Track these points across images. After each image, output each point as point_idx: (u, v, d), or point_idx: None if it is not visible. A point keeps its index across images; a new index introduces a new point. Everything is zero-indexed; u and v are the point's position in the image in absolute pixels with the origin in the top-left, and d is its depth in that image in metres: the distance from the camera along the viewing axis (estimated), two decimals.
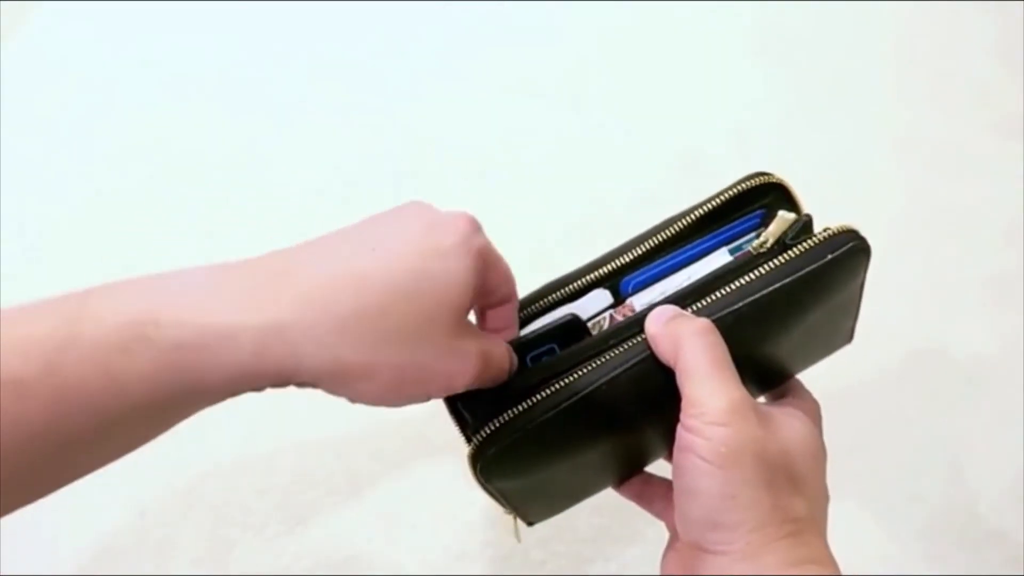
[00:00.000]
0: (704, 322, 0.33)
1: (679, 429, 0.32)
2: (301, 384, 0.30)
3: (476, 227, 0.34)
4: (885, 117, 0.86)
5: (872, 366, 0.69)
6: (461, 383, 0.32)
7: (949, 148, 0.84)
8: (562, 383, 0.34)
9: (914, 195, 0.80)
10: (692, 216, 0.38)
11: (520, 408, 0.34)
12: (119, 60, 0.89)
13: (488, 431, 0.34)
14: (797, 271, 0.34)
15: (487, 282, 0.34)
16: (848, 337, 0.43)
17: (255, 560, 0.60)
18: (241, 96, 0.87)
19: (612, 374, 0.34)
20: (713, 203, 0.38)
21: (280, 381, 0.29)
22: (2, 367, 0.25)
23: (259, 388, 0.30)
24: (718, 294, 0.34)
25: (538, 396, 0.34)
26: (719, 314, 0.34)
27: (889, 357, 0.70)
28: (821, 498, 0.34)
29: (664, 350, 0.33)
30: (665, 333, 0.33)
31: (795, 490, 0.32)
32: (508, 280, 0.35)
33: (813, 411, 0.38)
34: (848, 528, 0.64)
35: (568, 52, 0.92)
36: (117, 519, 0.62)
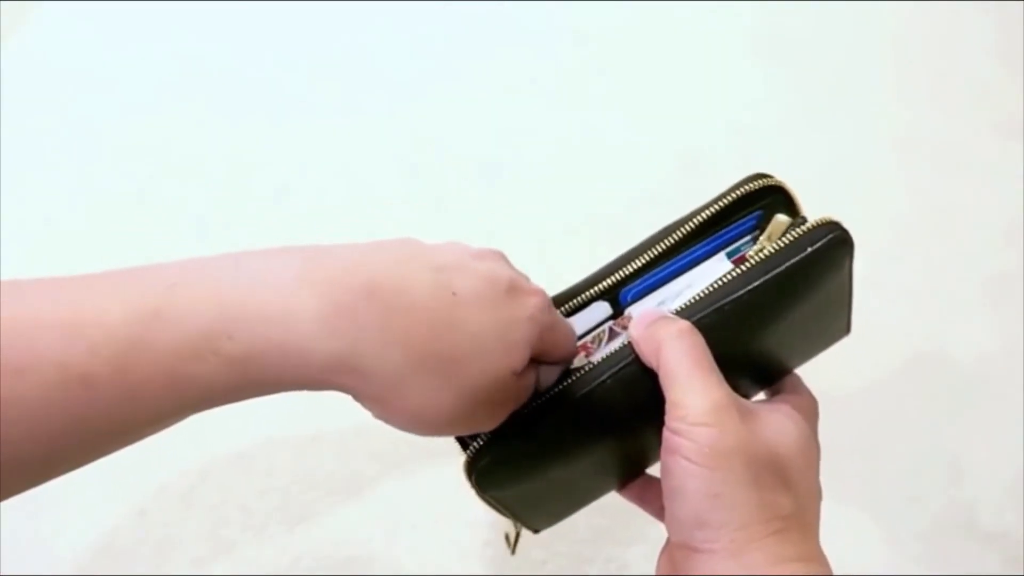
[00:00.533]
0: (683, 324, 0.33)
1: (664, 431, 0.32)
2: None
3: (548, 304, 0.34)
4: (885, 117, 0.86)
5: (872, 366, 0.69)
6: (514, 387, 0.33)
7: (949, 148, 0.83)
8: (553, 391, 0.34)
9: (914, 195, 0.80)
10: (692, 224, 0.38)
11: (512, 418, 0.34)
12: (119, 60, 0.89)
13: (481, 442, 0.34)
14: (778, 266, 0.34)
15: (544, 354, 0.34)
16: (845, 328, 0.42)
17: (255, 560, 0.60)
18: (242, 96, 0.87)
19: (600, 379, 0.34)
20: (712, 208, 0.38)
21: (325, 388, 0.30)
22: (72, 361, 0.25)
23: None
24: (701, 293, 0.34)
25: (530, 406, 0.34)
26: (701, 313, 0.34)
27: (889, 357, 0.70)
28: (812, 496, 0.34)
29: (646, 353, 0.33)
30: (646, 337, 0.33)
31: (782, 488, 0.32)
32: (565, 351, 0.35)
33: (808, 407, 0.38)
34: (848, 528, 0.64)
35: (568, 52, 0.92)
36: (117, 519, 0.62)
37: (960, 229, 0.78)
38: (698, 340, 0.33)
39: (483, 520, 0.61)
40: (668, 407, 0.32)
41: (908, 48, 0.93)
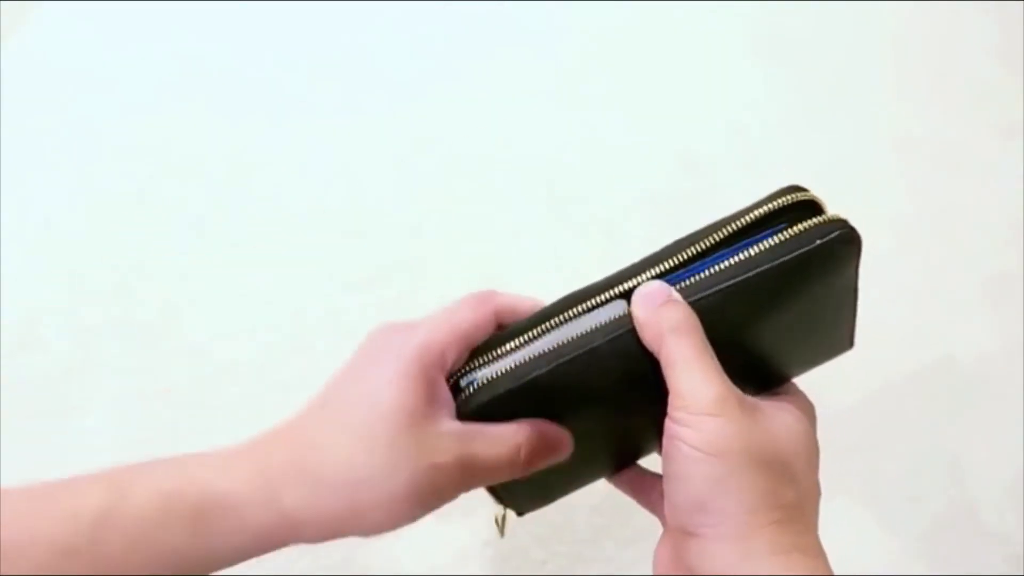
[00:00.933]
0: (687, 315, 0.33)
1: (667, 420, 0.32)
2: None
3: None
4: (885, 117, 0.86)
5: (872, 366, 0.69)
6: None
7: (949, 148, 0.84)
8: (545, 350, 0.34)
9: (914, 195, 0.80)
10: (719, 234, 0.37)
11: (501, 371, 0.34)
12: (119, 60, 0.89)
13: (470, 390, 0.34)
14: (786, 254, 0.34)
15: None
16: (848, 341, 0.42)
17: (254, 560, 0.60)
18: (242, 96, 0.87)
19: (594, 344, 0.34)
20: (743, 220, 0.37)
21: (282, 545, 0.34)
22: (56, 537, 0.29)
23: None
24: (706, 273, 0.34)
25: (521, 359, 0.34)
26: (705, 292, 0.34)
27: (889, 357, 0.70)
28: (812, 492, 0.34)
29: (648, 339, 0.33)
30: (651, 322, 0.33)
31: (785, 480, 0.32)
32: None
33: (807, 409, 0.38)
34: (848, 528, 0.64)
35: (568, 52, 0.92)
36: None
37: (960, 229, 0.78)
38: (702, 336, 0.33)
39: (483, 520, 0.61)
40: (671, 396, 0.32)
41: (908, 48, 0.93)
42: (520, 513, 0.43)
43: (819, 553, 0.32)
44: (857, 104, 0.87)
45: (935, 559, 0.61)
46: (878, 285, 0.73)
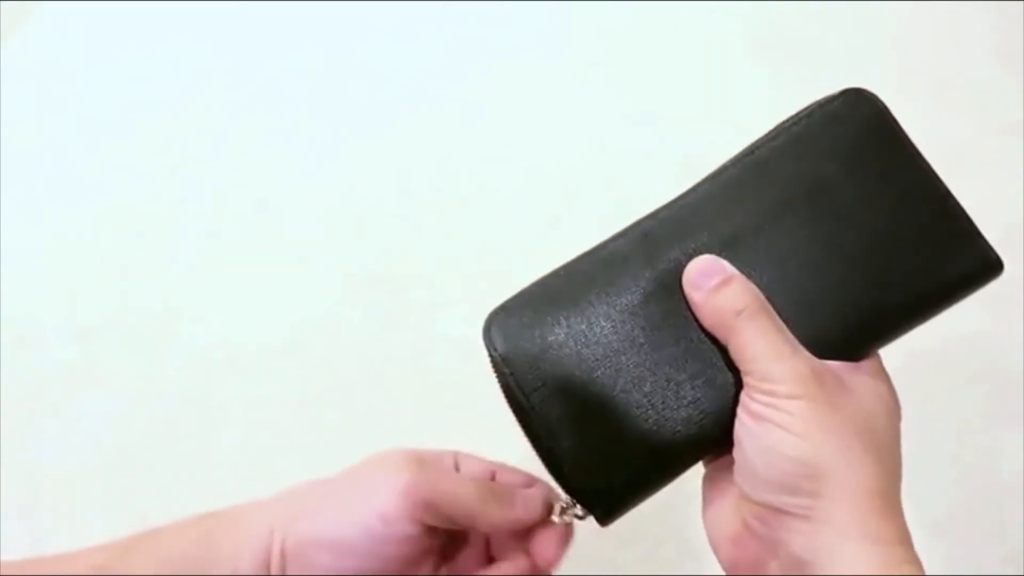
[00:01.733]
0: (748, 292, 0.32)
1: (748, 398, 0.31)
2: None
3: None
4: None
5: None
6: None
7: (949, 148, 0.83)
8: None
9: None
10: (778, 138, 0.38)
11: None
12: (120, 60, 0.89)
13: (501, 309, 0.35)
14: (790, 124, 0.36)
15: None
16: (980, 257, 0.37)
17: None
18: (242, 96, 0.87)
19: (636, 275, 0.34)
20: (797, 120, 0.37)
21: None
22: None
23: None
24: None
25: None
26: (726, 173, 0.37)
27: (889, 357, 0.70)
28: (897, 470, 0.32)
29: (712, 324, 0.32)
30: (711, 309, 0.32)
31: (873, 459, 0.30)
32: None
33: (887, 382, 0.36)
34: None
35: (568, 52, 0.92)
36: (117, 523, 0.62)
37: None
38: (770, 312, 0.31)
39: None
40: (752, 380, 0.31)
41: (908, 48, 0.93)
42: (603, 519, 0.35)
43: (908, 541, 0.30)
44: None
45: (935, 559, 0.61)
46: None
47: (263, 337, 0.70)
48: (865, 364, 0.34)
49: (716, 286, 0.32)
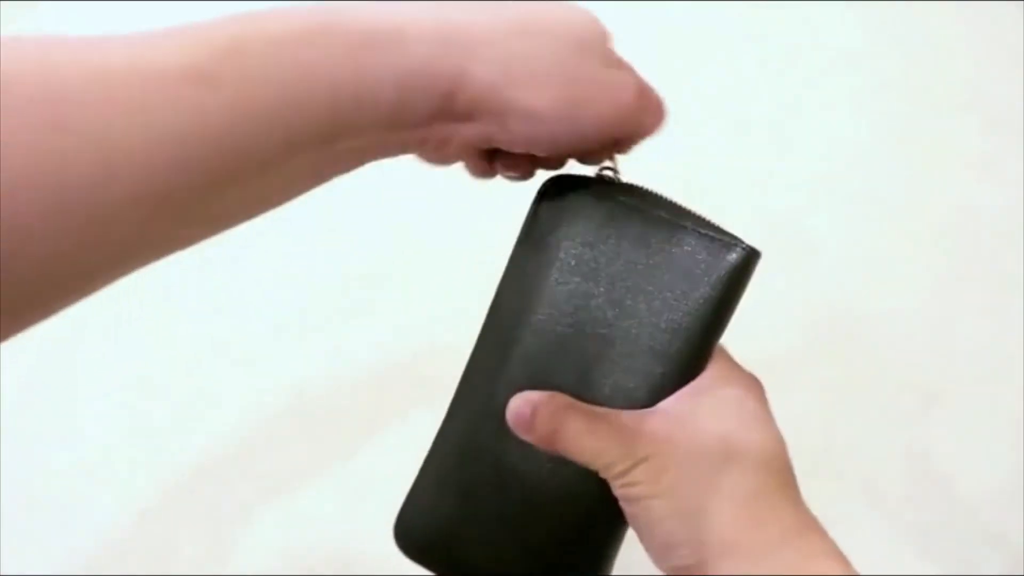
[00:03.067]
0: (553, 411, 0.32)
1: (611, 489, 0.32)
2: (466, 109, 0.30)
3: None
4: (884, 116, 0.86)
5: (872, 366, 0.69)
6: (625, 107, 0.33)
7: (947, 148, 0.84)
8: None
9: (912, 195, 0.80)
10: None
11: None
12: None
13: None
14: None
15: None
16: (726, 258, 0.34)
17: (255, 560, 0.60)
18: None
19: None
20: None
21: (446, 95, 0.29)
22: (187, 58, 0.25)
23: (415, 125, 0.31)
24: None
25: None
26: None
27: (888, 357, 0.70)
28: (774, 449, 0.32)
29: (545, 447, 0.32)
30: (539, 444, 0.32)
31: (734, 466, 0.31)
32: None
33: (736, 380, 0.34)
34: (848, 528, 0.64)
35: None
36: (117, 519, 0.62)
37: (960, 229, 0.78)
38: (576, 411, 0.32)
39: None
40: (602, 475, 0.32)
41: (908, 48, 0.93)
42: None
43: (812, 522, 0.31)
44: (856, 103, 0.87)
45: (935, 559, 0.61)
46: (878, 285, 0.73)
47: (263, 336, 0.70)
48: (704, 378, 0.33)
49: (527, 428, 0.32)
